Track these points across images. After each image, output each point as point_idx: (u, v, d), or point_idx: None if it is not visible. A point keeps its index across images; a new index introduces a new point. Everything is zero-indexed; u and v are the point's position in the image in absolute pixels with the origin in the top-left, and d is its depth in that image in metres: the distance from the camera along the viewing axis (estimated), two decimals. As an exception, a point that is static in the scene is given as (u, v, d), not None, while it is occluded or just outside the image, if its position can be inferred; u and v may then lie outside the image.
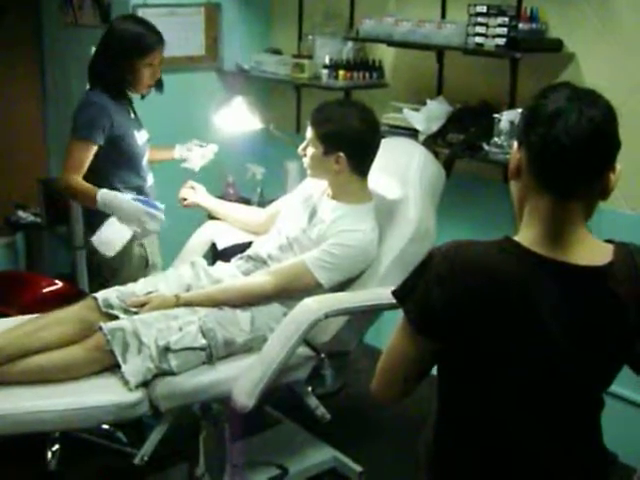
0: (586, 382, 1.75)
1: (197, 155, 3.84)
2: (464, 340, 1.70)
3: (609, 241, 1.76)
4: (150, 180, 3.74)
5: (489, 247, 1.69)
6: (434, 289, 1.68)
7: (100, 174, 3.50)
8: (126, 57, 3.48)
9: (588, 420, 1.82)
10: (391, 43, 4.17)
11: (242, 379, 2.86)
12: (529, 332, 1.66)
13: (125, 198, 3.39)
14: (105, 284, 3.45)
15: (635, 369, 1.82)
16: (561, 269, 1.66)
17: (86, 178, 3.58)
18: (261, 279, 3.03)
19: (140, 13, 4.49)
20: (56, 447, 3.63)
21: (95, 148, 3.47)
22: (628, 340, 1.72)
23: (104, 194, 3.39)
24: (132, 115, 3.66)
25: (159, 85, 3.68)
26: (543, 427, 1.75)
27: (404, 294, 1.76)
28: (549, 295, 1.65)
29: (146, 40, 3.51)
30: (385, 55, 4.40)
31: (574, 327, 1.67)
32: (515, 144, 1.74)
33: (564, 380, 1.71)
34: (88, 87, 3.60)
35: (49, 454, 3.61)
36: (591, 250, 1.70)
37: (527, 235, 1.70)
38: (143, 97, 3.65)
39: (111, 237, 3.44)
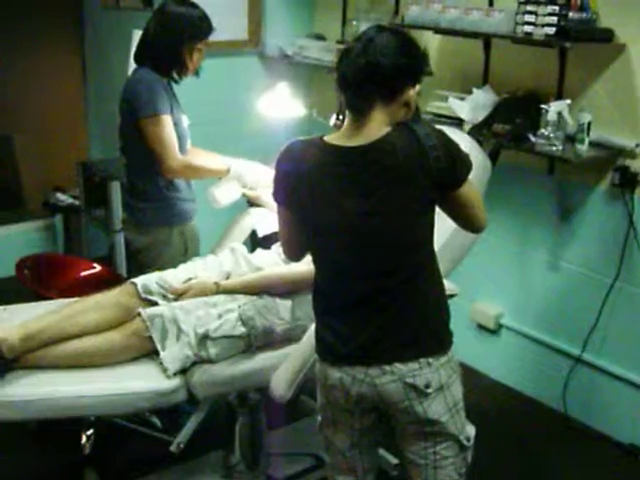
0: (377, 229, 2.27)
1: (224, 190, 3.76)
2: (295, 207, 2.38)
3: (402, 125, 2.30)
4: None
5: (307, 143, 2.35)
6: (276, 174, 2.41)
7: (147, 157, 3.46)
8: (184, 40, 3.47)
9: (401, 264, 2.32)
10: (438, 30, 4.10)
11: (281, 369, 2.83)
12: (325, 199, 2.29)
13: (255, 167, 3.69)
14: (143, 270, 3.43)
15: (444, 210, 2.40)
16: (343, 151, 2.27)
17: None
18: (303, 267, 2.97)
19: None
20: (91, 431, 3.62)
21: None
22: (401, 192, 2.24)
23: (237, 168, 3.63)
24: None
25: (196, 70, 3.64)
26: (353, 266, 2.33)
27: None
28: (336, 170, 2.27)
29: (203, 25, 3.51)
30: (430, 42, 4.33)
31: (352, 189, 2.26)
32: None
33: (359, 230, 2.28)
34: (135, 66, 3.56)
35: (84, 438, 3.61)
36: (368, 136, 2.26)
37: (334, 135, 2.34)
38: (178, 82, 3.61)
39: (226, 193, 3.65)
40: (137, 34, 3.68)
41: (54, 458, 3.67)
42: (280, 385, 2.80)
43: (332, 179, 2.29)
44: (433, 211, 2.35)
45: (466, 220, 2.44)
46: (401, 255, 2.32)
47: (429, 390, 2.33)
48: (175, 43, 3.46)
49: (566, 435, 4.03)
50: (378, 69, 2.23)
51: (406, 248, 2.32)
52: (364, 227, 2.28)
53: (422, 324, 2.36)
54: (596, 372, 4.01)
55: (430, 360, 2.33)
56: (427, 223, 2.35)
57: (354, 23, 4.66)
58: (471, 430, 2.51)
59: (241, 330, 2.90)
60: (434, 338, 2.38)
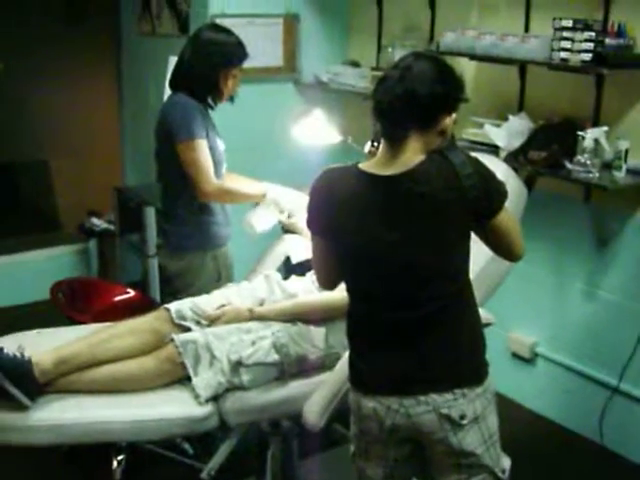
0: (410, 258, 2.26)
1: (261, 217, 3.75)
2: (329, 235, 2.37)
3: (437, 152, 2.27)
4: None
5: (342, 170, 2.35)
6: (311, 202, 2.39)
7: (183, 180, 3.48)
8: (219, 67, 3.48)
9: (433, 294, 2.29)
10: (473, 57, 4.09)
11: (313, 397, 2.80)
12: (359, 227, 2.28)
13: (290, 193, 3.67)
14: (177, 295, 3.43)
15: (481, 238, 2.36)
16: (377, 180, 2.26)
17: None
18: (337, 295, 2.94)
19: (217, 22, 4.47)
20: (122, 457, 3.62)
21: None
22: (436, 221, 2.23)
23: (272, 193, 3.63)
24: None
25: (231, 96, 3.65)
26: (387, 295, 2.32)
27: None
28: (370, 198, 2.26)
29: (238, 51, 3.53)
30: (466, 69, 4.32)
31: (386, 218, 2.24)
32: None
33: (393, 259, 2.26)
34: (171, 92, 3.58)
35: (115, 463, 3.60)
36: (402, 164, 2.24)
37: (369, 162, 2.32)
38: (213, 108, 3.62)
39: (263, 219, 3.65)
40: (173, 60, 3.70)
41: (85, 483, 3.69)
42: (313, 413, 2.78)
43: (366, 208, 2.28)
44: (468, 240, 2.33)
45: (503, 248, 2.41)
46: (435, 285, 2.30)
47: (464, 421, 2.30)
48: (210, 69, 3.48)
49: (602, 466, 3.96)
50: (415, 98, 2.22)
51: (440, 278, 2.30)
52: (397, 256, 2.27)
53: (458, 354, 2.33)
54: (633, 402, 3.95)
55: (465, 391, 2.30)
56: (462, 253, 2.33)
57: (389, 50, 4.67)
58: (506, 462, 2.47)
59: (274, 357, 2.88)
60: (470, 368, 2.35)
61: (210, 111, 3.60)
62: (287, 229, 3.73)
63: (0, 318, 5.01)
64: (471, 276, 2.40)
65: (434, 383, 2.30)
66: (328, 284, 2.58)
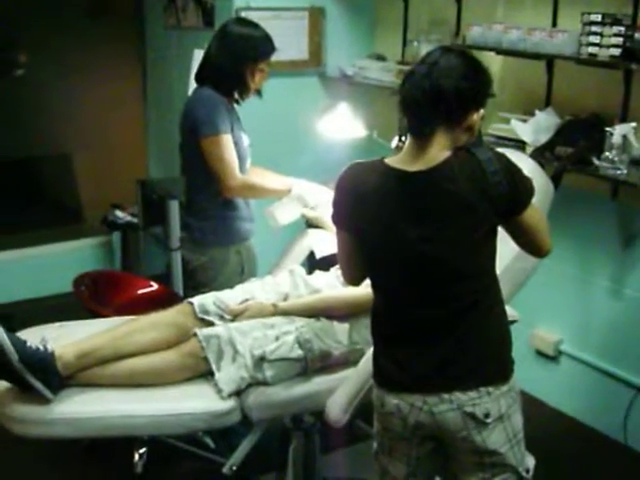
0: (435, 255, 2.23)
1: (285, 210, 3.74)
2: (354, 230, 2.35)
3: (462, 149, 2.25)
4: None
5: (368, 165, 2.32)
6: (336, 196, 2.37)
7: (207, 175, 3.47)
8: (246, 61, 3.47)
9: (453, 290, 2.28)
10: (500, 51, 4.06)
11: (337, 393, 2.79)
12: (384, 222, 2.27)
13: (316, 189, 3.65)
14: (200, 289, 3.42)
15: (513, 238, 2.37)
16: (403, 175, 2.23)
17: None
18: (362, 291, 2.92)
19: (243, 16, 4.45)
20: (143, 450, 3.62)
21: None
22: (461, 218, 2.21)
23: (298, 188, 3.62)
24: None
25: (258, 90, 3.64)
26: (411, 292, 2.31)
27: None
28: (396, 194, 2.24)
29: (265, 45, 3.52)
30: (492, 63, 4.27)
31: (411, 214, 2.23)
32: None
33: (417, 256, 2.25)
34: (196, 86, 3.57)
35: (136, 456, 3.60)
36: (428, 160, 2.22)
37: (395, 157, 2.30)
38: (240, 103, 3.61)
39: (286, 213, 3.64)
40: (198, 54, 3.69)
41: (105, 475, 3.68)
42: (335, 409, 2.76)
43: (391, 203, 2.26)
44: (495, 237, 2.30)
45: (530, 244, 2.39)
46: (460, 282, 2.28)
47: (488, 420, 2.28)
48: (237, 64, 3.46)
49: (626, 466, 3.93)
50: (441, 93, 2.19)
51: (465, 275, 2.28)
52: (422, 253, 2.25)
53: (483, 352, 2.31)
54: (659, 402, 3.91)
55: (490, 389, 2.28)
56: (488, 250, 2.31)
57: (415, 44, 4.64)
58: (530, 461, 2.45)
59: (298, 353, 2.87)
60: (495, 366, 2.33)
61: (235, 105, 3.59)
62: (311, 223, 3.72)
63: (23, 311, 5.02)
64: (497, 271, 2.38)
65: (459, 381, 2.28)
66: (353, 280, 2.55)
